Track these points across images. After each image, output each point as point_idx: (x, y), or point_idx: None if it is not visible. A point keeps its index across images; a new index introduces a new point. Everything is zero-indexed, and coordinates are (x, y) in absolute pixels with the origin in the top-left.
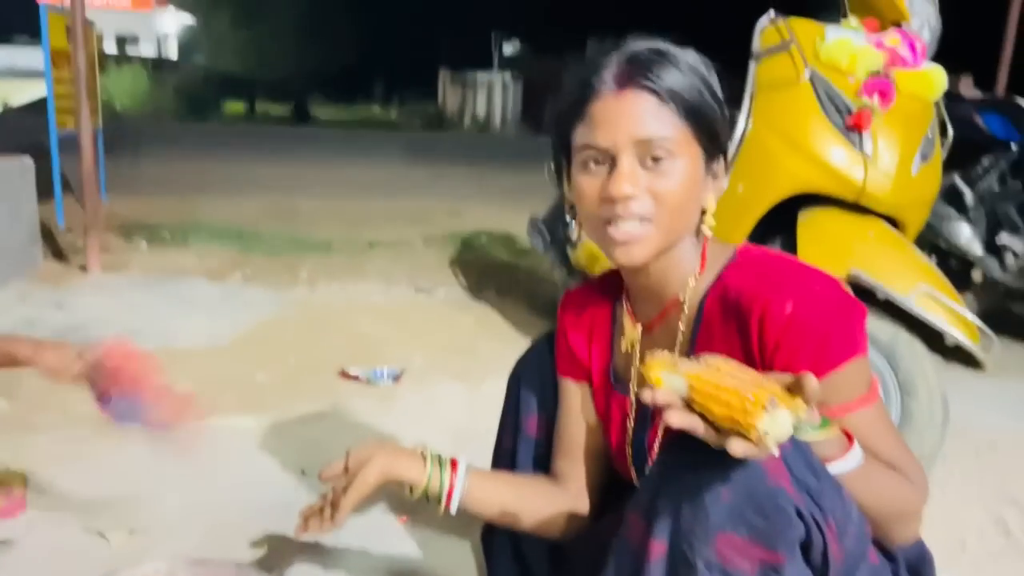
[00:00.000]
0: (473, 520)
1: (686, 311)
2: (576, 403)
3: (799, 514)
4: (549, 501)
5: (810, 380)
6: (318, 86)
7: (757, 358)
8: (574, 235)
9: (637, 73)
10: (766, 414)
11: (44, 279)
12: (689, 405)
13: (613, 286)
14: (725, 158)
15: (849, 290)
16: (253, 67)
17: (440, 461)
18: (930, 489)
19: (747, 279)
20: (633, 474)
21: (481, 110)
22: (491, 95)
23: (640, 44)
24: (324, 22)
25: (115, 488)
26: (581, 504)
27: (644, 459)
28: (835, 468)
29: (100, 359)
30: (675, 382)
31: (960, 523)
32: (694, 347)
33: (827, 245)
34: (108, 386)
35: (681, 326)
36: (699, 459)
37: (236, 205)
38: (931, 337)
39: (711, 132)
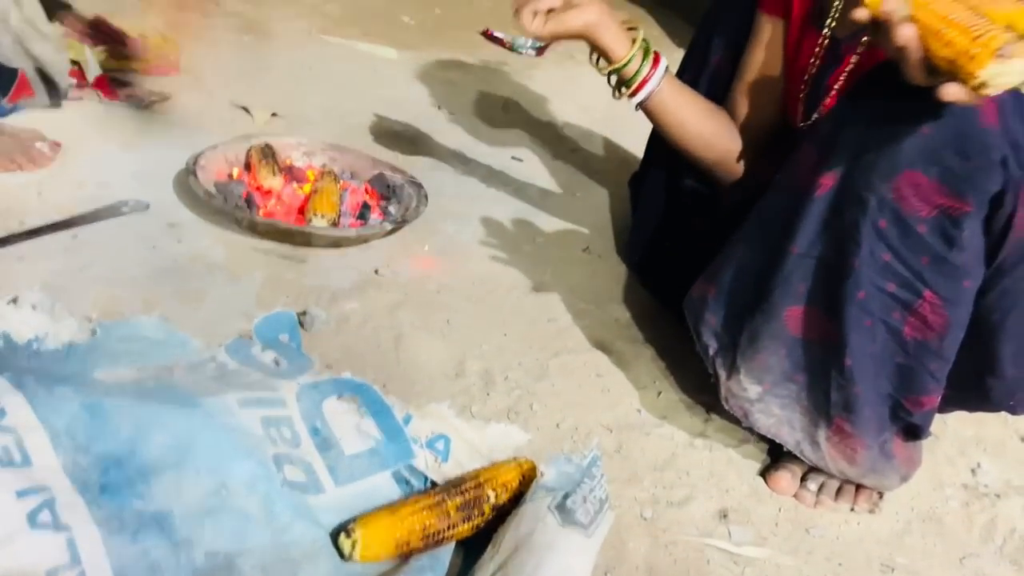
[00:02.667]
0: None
1: None
2: (769, 38)
3: (1003, 164)
4: (724, 128)
5: None
6: None
7: None
8: None
9: None
10: (994, 63)
11: None
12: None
13: None
14: None
15: None
16: None
17: (647, 49)
18: None
19: None
20: (802, 120)
21: None
22: None
23: None
24: None
25: (262, 77)
26: (746, 140)
27: (820, 101)
28: None
29: None
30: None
31: None
32: None
33: None
34: None
35: None
36: (896, 92)
37: None
38: None
39: None
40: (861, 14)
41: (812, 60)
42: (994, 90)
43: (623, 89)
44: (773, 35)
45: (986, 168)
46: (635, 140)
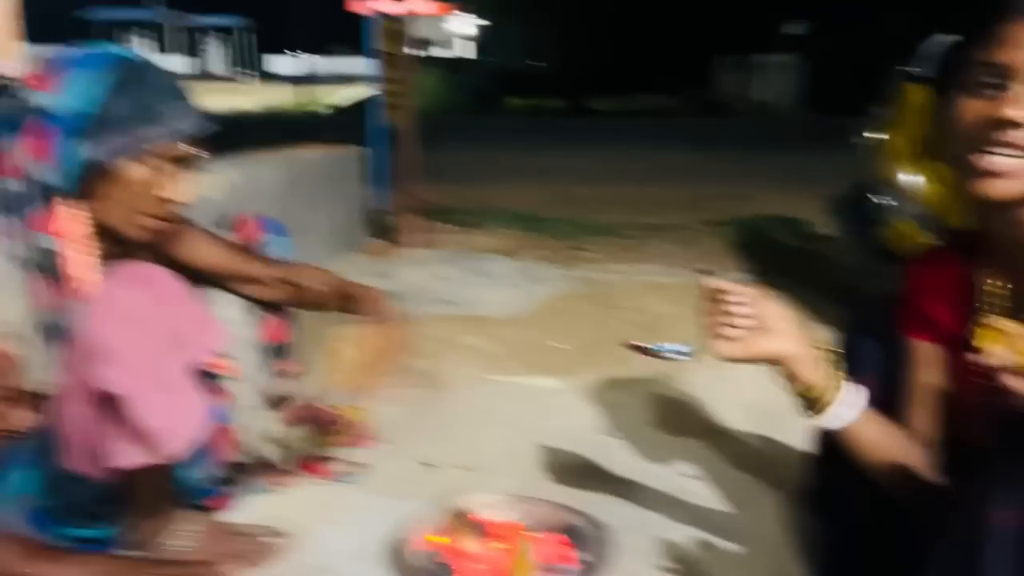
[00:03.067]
0: (767, 477)
1: None
2: (928, 363)
3: None
4: (915, 455)
5: None
6: (594, 78)
7: None
8: (883, 213)
9: None
10: None
11: (369, 253)
12: None
13: (969, 245)
14: None
15: None
16: (534, 63)
17: (839, 374)
18: None
19: None
20: (975, 439)
21: (761, 94)
22: (771, 78)
23: None
24: (599, 17)
25: (443, 429)
26: (928, 461)
27: (988, 423)
28: None
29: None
30: (1006, 356)
31: None
32: None
33: None
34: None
35: None
36: None
37: (522, 191)
38: None
39: None
40: (975, 359)
41: (981, 386)
42: None
43: (814, 410)
44: (927, 356)
45: None
46: (800, 435)
